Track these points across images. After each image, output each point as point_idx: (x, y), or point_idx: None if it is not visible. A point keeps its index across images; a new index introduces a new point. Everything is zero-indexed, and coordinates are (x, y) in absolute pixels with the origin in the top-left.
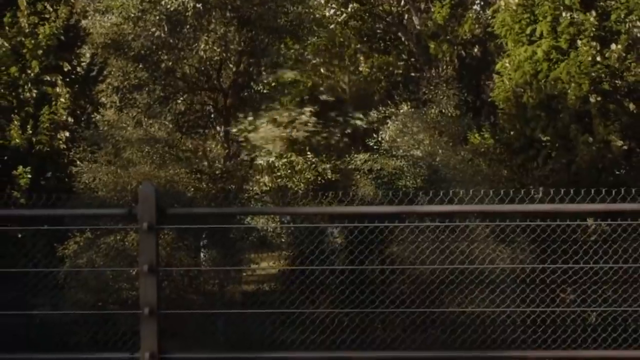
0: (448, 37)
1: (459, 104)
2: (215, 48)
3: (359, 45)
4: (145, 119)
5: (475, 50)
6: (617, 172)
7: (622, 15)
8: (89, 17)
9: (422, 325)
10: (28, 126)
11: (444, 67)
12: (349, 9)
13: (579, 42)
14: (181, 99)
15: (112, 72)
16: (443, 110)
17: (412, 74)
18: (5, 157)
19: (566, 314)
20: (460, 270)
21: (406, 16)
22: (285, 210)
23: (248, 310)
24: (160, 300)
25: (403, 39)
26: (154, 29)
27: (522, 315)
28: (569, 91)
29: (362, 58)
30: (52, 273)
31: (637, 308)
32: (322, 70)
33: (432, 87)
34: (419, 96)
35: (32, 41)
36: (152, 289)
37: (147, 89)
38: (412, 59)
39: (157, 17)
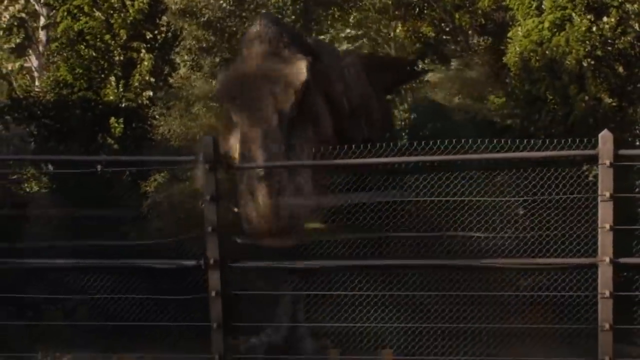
0: (470, 9)
1: (476, 67)
2: None
3: (396, 12)
4: (212, 79)
5: (495, 18)
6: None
7: None
8: None
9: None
10: (120, 85)
11: (462, 36)
12: None
13: (574, 14)
14: None
15: (185, 37)
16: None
17: (444, 37)
18: (97, 112)
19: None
20: (458, 204)
21: None
22: (311, 163)
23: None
24: (219, 220)
25: (435, 6)
26: (221, 1)
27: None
28: (567, 57)
29: (399, 23)
30: (138, 207)
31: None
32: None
33: (457, 55)
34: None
35: (122, 15)
36: (213, 212)
37: (214, 51)
38: (443, 24)
39: None
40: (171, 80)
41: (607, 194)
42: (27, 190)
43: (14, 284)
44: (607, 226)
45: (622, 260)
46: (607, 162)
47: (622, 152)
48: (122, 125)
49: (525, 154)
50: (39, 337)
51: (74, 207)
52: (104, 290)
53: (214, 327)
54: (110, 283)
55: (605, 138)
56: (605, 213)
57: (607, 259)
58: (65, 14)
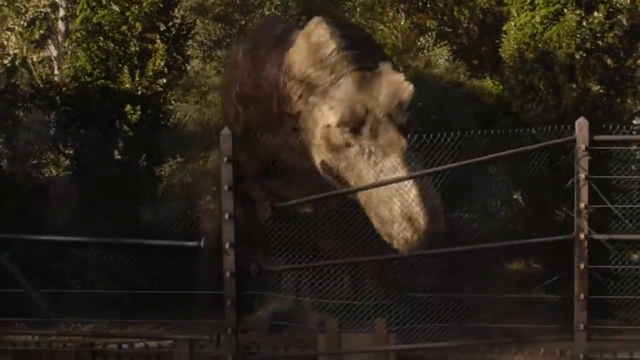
0: (469, 4)
1: (452, 56)
2: (276, 10)
3: (401, 5)
4: (224, 69)
5: (494, 11)
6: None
7: None
8: None
9: None
10: (136, 74)
11: (461, 29)
12: None
13: (565, 10)
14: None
15: (198, 31)
16: (433, 63)
17: (446, 29)
18: (114, 99)
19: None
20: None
21: None
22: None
23: None
24: (236, 209)
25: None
26: None
27: None
28: (559, 50)
29: (403, 15)
30: (153, 188)
31: None
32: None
33: (428, 47)
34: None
35: (137, 7)
36: (230, 202)
37: (224, 43)
38: (445, 17)
39: None
40: (187, 68)
41: (583, 176)
42: (47, 174)
43: (39, 259)
44: (583, 205)
45: (596, 236)
46: (583, 147)
47: (597, 137)
48: (138, 112)
49: (511, 151)
50: (62, 308)
51: (93, 191)
52: (121, 265)
53: (227, 304)
54: (127, 259)
55: (581, 125)
56: (581, 193)
57: (583, 235)
58: (85, 6)
